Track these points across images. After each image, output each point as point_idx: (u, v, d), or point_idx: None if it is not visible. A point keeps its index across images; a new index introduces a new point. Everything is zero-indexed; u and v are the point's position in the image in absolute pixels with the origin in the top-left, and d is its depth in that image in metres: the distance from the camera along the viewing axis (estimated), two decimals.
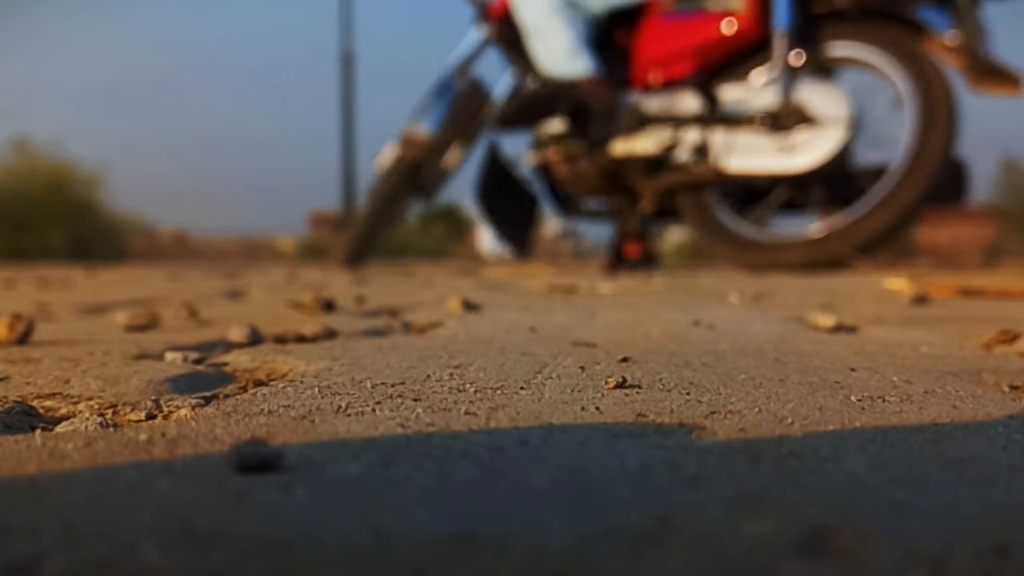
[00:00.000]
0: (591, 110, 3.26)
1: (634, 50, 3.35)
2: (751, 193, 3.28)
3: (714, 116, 3.11)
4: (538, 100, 3.42)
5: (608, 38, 3.46)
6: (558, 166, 3.45)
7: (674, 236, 11.83)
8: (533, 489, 0.36)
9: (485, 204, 3.76)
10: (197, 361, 0.79)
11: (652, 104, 3.23)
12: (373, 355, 0.80)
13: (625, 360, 0.77)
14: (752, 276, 2.86)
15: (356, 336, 1.02)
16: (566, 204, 3.74)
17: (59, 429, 0.52)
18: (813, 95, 2.96)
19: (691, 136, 3.16)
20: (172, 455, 0.42)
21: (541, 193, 3.74)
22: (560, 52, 3.35)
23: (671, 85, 3.24)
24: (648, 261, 3.75)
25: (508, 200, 3.73)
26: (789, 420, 0.52)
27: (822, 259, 3.00)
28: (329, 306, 1.40)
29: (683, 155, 3.19)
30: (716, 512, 0.33)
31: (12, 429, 0.52)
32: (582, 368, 0.72)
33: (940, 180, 2.96)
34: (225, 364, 0.78)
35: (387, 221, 4.17)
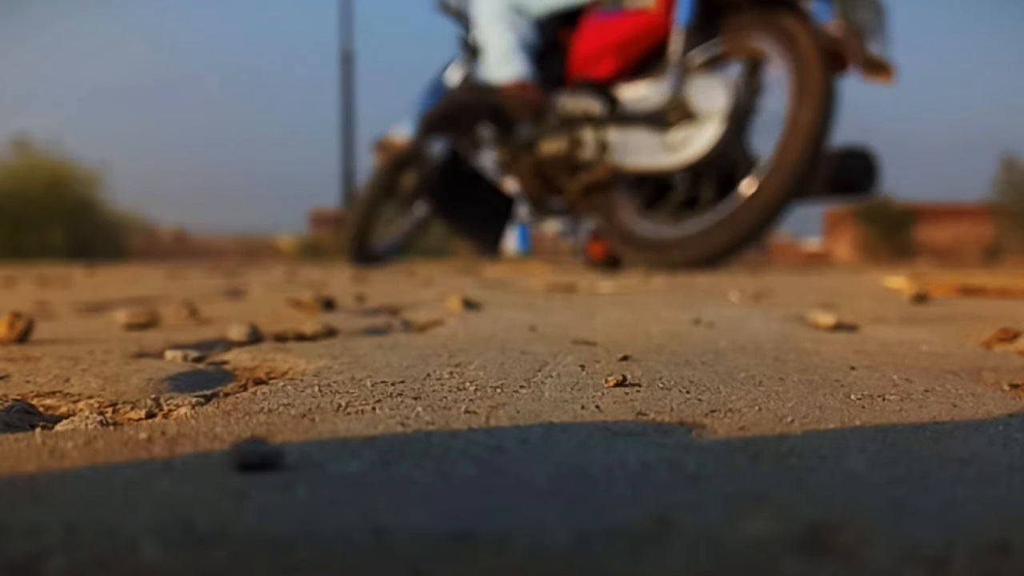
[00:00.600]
0: (511, 114, 3.31)
1: (570, 51, 3.39)
2: (663, 191, 3.29)
3: (613, 115, 3.13)
4: (460, 106, 3.48)
5: (554, 40, 3.49)
6: (505, 167, 3.51)
7: None
8: (533, 488, 0.36)
9: (443, 205, 3.78)
10: (197, 360, 0.79)
11: (571, 104, 3.26)
12: (373, 354, 0.80)
13: (625, 359, 0.77)
14: (752, 275, 2.86)
15: (356, 335, 1.02)
16: (536, 203, 3.75)
17: (59, 428, 0.52)
18: (697, 90, 2.96)
19: (596, 135, 3.20)
20: (172, 454, 0.42)
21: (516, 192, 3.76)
22: (497, 57, 3.43)
23: (594, 84, 3.27)
24: (613, 262, 3.73)
25: (475, 200, 3.74)
26: (789, 418, 0.52)
27: (692, 259, 2.99)
28: (329, 305, 1.40)
29: (588, 154, 3.22)
30: (716, 511, 0.33)
31: (12, 427, 0.52)
32: (582, 367, 0.72)
33: (836, 172, 2.97)
34: (225, 363, 0.78)
35: (376, 221, 4.26)
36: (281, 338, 0.98)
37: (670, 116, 2.98)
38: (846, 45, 2.73)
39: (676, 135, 2.99)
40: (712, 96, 2.93)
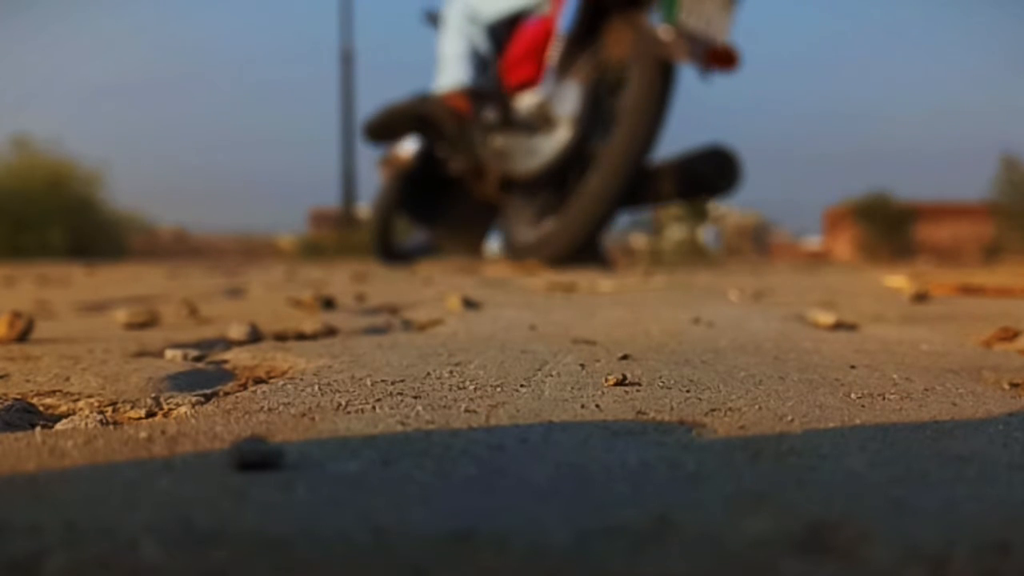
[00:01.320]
0: (438, 123, 3.37)
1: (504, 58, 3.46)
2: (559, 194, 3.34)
3: (506, 122, 3.23)
4: (394, 114, 3.60)
5: (503, 47, 3.55)
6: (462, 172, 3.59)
7: (675, 234, 11.85)
8: (533, 487, 0.36)
9: (414, 209, 3.82)
10: (197, 359, 0.79)
11: (485, 112, 3.32)
12: (373, 353, 0.80)
13: (625, 358, 0.77)
14: (752, 274, 2.86)
15: (356, 334, 1.02)
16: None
17: (59, 427, 0.52)
18: (559, 96, 3.04)
19: (491, 142, 3.28)
20: (172, 453, 0.42)
21: None
22: (445, 65, 3.56)
23: (511, 90, 3.36)
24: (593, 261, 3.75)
25: (452, 203, 3.77)
26: (789, 418, 0.52)
27: (542, 261, 3.04)
28: (329, 304, 1.40)
29: (487, 160, 3.30)
30: (716, 510, 0.33)
31: (12, 427, 0.52)
32: (582, 366, 0.72)
33: (689, 173, 3.05)
34: (225, 362, 0.78)
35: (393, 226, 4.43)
36: (281, 337, 0.98)
37: (536, 122, 3.10)
38: (674, 48, 2.74)
39: (540, 141, 3.11)
40: (567, 102, 3.02)
